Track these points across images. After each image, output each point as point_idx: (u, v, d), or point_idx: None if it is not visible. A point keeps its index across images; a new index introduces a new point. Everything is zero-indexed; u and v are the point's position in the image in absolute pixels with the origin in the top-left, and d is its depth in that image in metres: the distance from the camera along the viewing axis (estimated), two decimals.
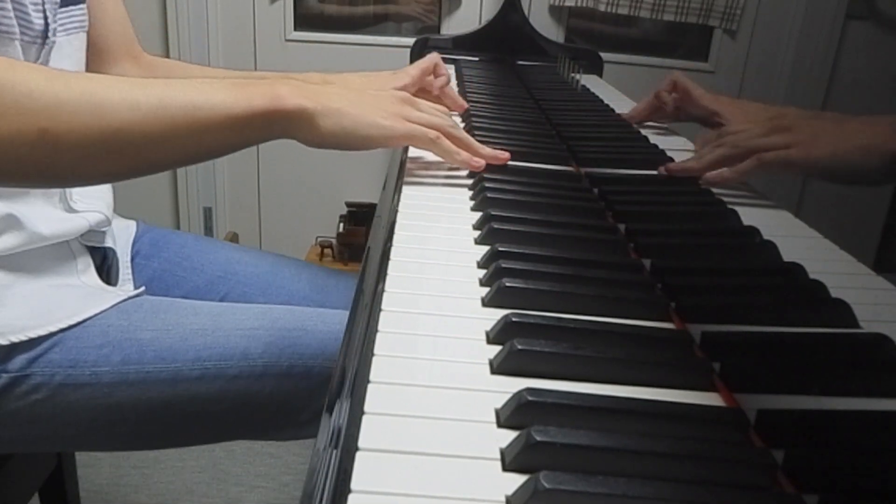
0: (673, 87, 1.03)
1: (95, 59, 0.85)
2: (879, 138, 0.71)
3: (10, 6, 0.64)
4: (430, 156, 0.80)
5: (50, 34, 0.70)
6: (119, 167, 0.60)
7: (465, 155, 0.71)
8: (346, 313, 0.51)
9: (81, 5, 0.76)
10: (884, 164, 0.70)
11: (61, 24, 0.72)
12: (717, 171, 0.76)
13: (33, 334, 0.66)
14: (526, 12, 1.82)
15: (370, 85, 0.90)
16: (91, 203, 0.78)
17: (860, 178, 0.73)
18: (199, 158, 0.63)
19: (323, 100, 0.63)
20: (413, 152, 0.80)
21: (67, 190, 0.75)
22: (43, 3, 0.69)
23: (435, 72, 1.00)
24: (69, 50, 0.74)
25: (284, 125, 0.63)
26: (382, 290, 0.47)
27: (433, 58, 0.99)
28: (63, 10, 0.72)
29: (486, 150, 0.73)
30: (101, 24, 0.86)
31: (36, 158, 0.54)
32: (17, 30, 0.65)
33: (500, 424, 0.36)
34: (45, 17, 0.69)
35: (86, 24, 0.78)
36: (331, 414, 0.39)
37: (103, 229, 0.80)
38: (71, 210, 0.75)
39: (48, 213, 0.73)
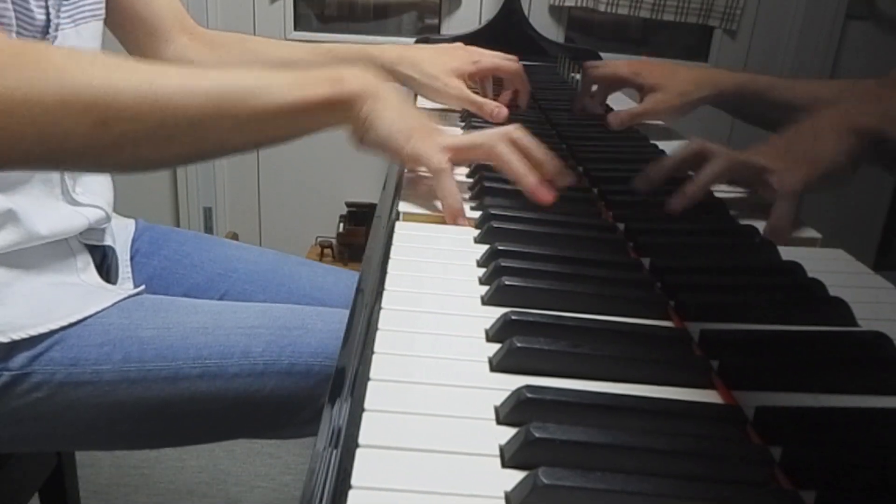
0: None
1: (150, 39, 0.86)
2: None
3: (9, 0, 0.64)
4: None
5: (51, 28, 0.69)
6: (179, 154, 0.60)
7: (453, 208, 0.62)
8: (347, 312, 0.51)
9: None
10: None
11: (68, 15, 0.71)
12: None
13: (34, 332, 0.66)
14: (526, 12, 1.83)
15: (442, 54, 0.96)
16: (92, 197, 0.77)
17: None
18: (259, 146, 0.63)
19: (381, 91, 0.63)
20: None
21: (70, 181, 0.75)
22: None
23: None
24: (77, 40, 0.73)
25: (343, 112, 0.62)
26: (382, 289, 0.48)
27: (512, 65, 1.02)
28: (68, 1, 0.71)
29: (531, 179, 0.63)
30: (149, 3, 0.87)
31: (97, 145, 0.55)
32: (14, 23, 0.64)
33: (499, 421, 0.36)
34: (48, 11, 0.68)
35: (100, 13, 0.77)
36: (331, 413, 0.39)
37: (102, 226, 0.80)
38: (73, 202, 0.75)
39: (49, 207, 0.72)
